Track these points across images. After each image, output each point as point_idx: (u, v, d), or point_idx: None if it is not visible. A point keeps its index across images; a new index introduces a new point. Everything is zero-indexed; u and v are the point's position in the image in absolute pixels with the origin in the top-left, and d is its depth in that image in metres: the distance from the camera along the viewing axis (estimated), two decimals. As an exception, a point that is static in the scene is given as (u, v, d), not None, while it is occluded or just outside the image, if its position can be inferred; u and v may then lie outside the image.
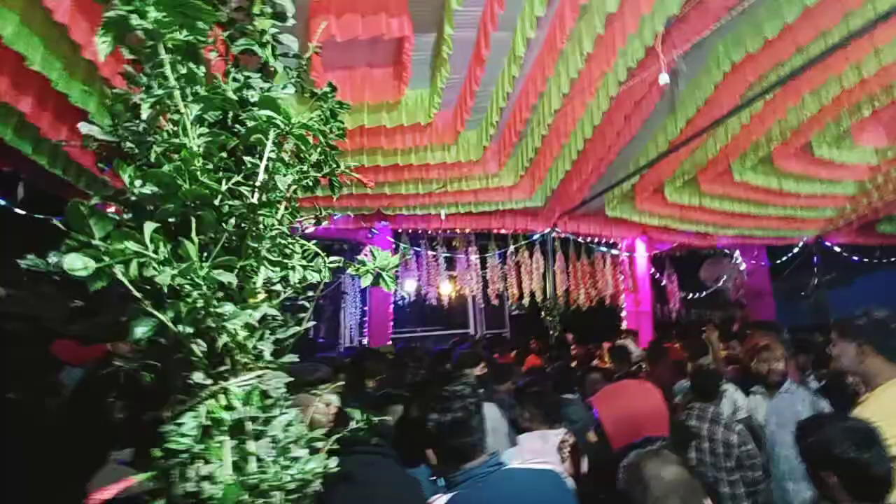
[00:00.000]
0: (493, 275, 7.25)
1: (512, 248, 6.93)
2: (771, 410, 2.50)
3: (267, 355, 0.78)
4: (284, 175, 0.87)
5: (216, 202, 0.67)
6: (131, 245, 0.54)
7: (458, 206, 5.32)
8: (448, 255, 6.95)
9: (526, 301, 7.34)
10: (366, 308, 7.14)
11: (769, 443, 2.41)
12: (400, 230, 6.37)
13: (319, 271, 0.86)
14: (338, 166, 1.14)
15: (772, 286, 8.75)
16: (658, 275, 8.43)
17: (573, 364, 5.29)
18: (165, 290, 0.57)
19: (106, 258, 0.59)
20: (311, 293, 0.84)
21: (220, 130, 0.66)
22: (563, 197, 5.39)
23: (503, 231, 6.71)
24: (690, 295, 8.82)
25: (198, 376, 0.65)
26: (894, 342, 1.69)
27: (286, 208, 0.94)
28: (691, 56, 3.31)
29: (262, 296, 0.72)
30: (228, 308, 0.62)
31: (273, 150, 0.75)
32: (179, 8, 0.57)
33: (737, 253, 8.85)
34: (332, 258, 0.90)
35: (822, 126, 4.39)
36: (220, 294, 0.62)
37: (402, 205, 5.25)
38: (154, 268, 0.55)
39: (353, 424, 1.02)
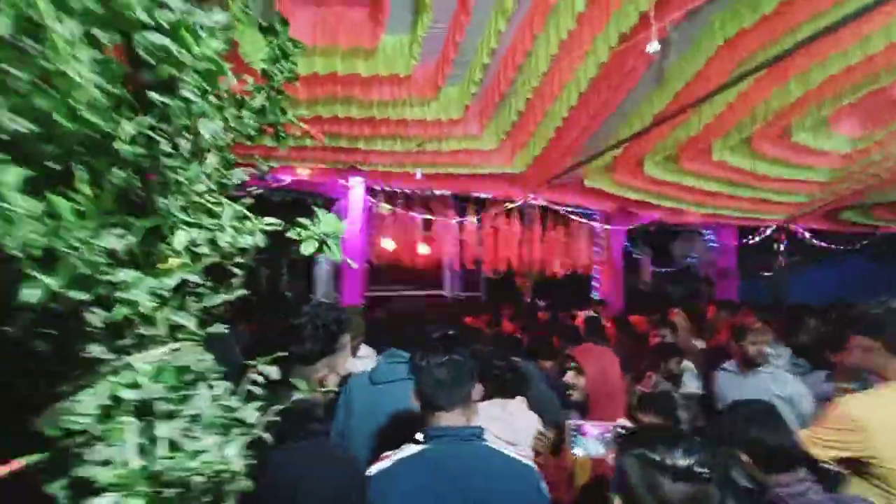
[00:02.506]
0: (469, 239, 7.23)
1: (492, 212, 6.87)
2: (745, 389, 2.59)
3: (192, 325, 0.71)
4: (212, 119, 0.76)
5: (113, 147, 0.57)
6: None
7: (436, 166, 5.16)
8: (425, 216, 6.84)
9: (502, 266, 7.39)
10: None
11: None
12: (377, 187, 6.18)
13: (252, 233, 0.77)
14: (284, 114, 1.02)
15: (738, 265, 9.07)
16: (631, 247, 8.59)
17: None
18: (40, 252, 0.47)
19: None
20: (239, 259, 0.75)
21: (110, 57, 0.54)
22: (544, 165, 5.30)
23: (481, 195, 6.62)
24: (661, 269, 9.07)
25: (95, 350, 0.57)
26: None
27: (218, 158, 0.84)
28: (684, 27, 3.18)
29: (176, 261, 0.63)
30: (125, 275, 0.54)
31: (191, 89, 0.64)
32: None
33: (709, 231, 9.07)
34: (268, 219, 0.81)
35: (803, 111, 4.37)
36: (112, 259, 0.53)
37: (378, 161, 5.05)
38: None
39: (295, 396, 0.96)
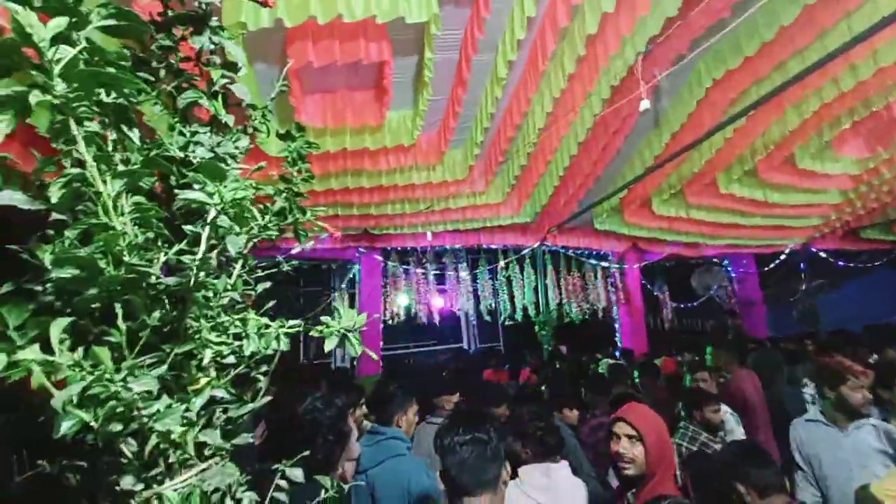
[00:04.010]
0: (484, 290, 7.20)
1: (502, 263, 6.88)
2: (846, 447, 2.15)
3: (217, 440, 0.71)
4: (238, 234, 0.81)
5: (148, 282, 0.60)
6: (27, 354, 0.47)
7: (446, 223, 5.27)
8: (438, 272, 6.88)
9: (519, 315, 7.29)
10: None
11: (844, 482, 2.08)
12: (389, 248, 6.29)
13: (278, 338, 0.79)
14: (304, 214, 1.07)
15: (762, 294, 8.79)
16: (649, 286, 8.43)
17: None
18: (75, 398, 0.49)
19: (20, 353, 0.52)
20: (265, 367, 0.76)
21: (149, 205, 0.59)
22: (552, 212, 5.37)
23: (493, 246, 6.67)
24: (682, 305, 8.82)
25: (127, 481, 0.57)
26: None
27: (242, 267, 0.88)
28: (673, 73, 3.32)
29: (205, 380, 0.65)
30: (158, 405, 0.55)
31: (219, 216, 0.68)
32: (96, 78, 0.51)
33: (726, 262, 8.89)
34: (291, 322, 0.83)
35: (804, 139, 4.43)
36: (147, 391, 0.55)
37: (389, 224, 5.18)
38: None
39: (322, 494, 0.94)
